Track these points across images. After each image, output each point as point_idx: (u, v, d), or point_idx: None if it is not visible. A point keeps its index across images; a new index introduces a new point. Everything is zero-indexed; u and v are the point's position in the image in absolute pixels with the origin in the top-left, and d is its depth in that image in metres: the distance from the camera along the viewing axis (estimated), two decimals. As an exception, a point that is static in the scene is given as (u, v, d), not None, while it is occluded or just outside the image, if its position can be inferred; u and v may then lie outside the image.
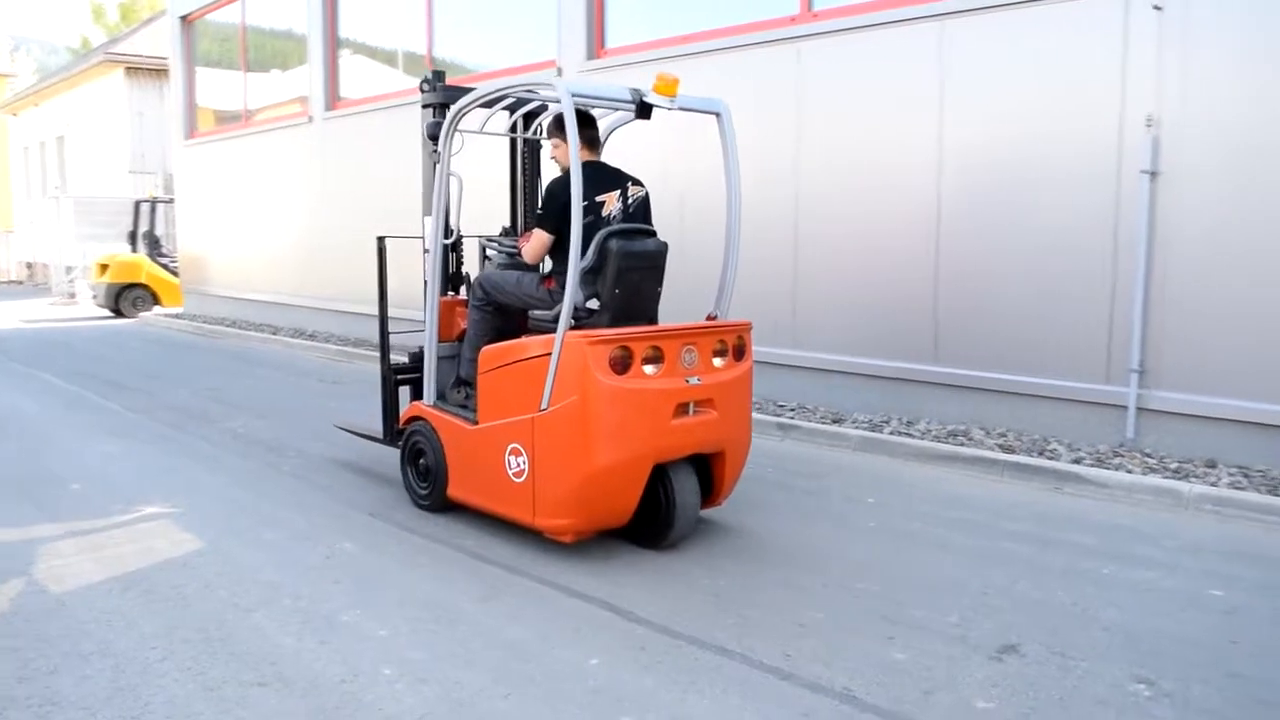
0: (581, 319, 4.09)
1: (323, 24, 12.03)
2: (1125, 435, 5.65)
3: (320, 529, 4.49)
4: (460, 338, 4.90)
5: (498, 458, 4.22)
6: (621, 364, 3.89)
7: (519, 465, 4.12)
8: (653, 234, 4.23)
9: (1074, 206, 5.74)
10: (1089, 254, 5.69)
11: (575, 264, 3.83)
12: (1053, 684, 3.00)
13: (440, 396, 4.74)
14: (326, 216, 11.94)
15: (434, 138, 4.52)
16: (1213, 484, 4.97)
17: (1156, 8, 5.34)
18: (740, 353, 4.35)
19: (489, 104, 4.64)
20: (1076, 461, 5.42)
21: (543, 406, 3.98)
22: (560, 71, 8.73)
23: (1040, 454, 5.61)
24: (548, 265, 4.54)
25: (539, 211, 4.22)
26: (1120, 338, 5.64)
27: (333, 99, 12.10)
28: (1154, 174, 5.44)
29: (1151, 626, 3.42)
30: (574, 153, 3.80)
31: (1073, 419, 5.87)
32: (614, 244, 4.01)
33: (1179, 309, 5.44)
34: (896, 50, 6.46)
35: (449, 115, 4.43)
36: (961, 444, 5.89)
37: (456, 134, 4.48)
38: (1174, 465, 5.31)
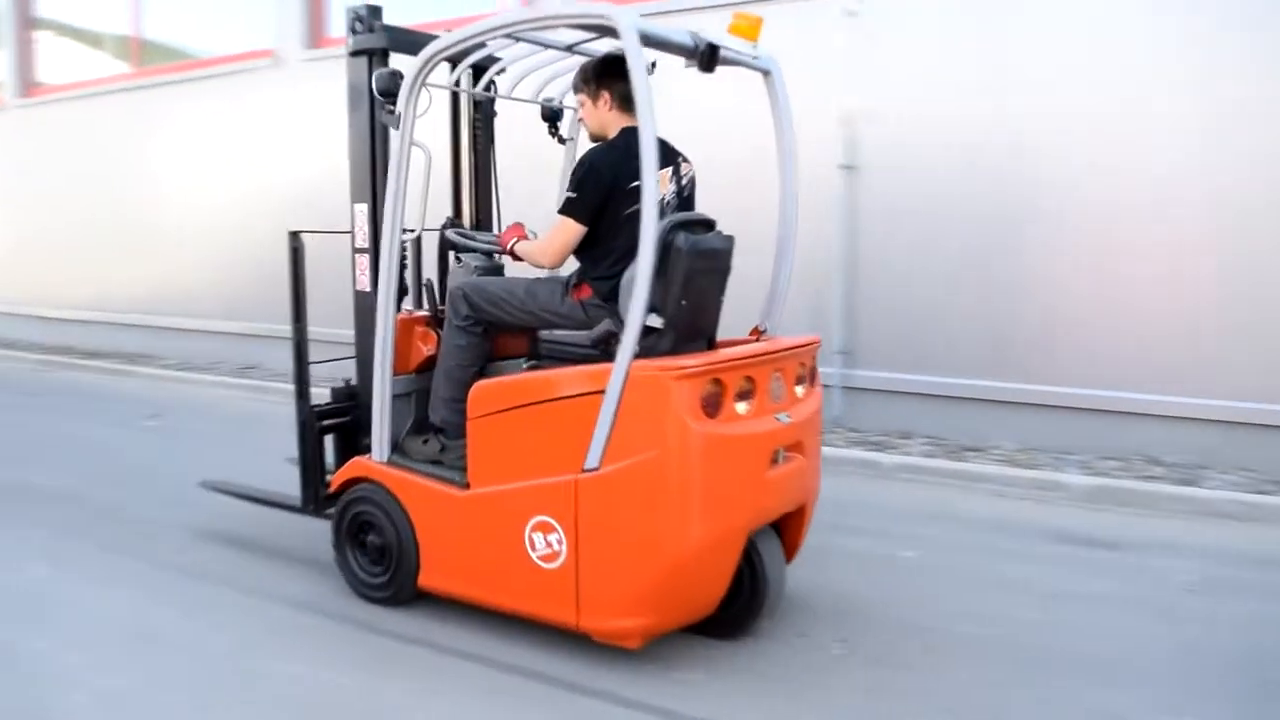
0: (612, 341, 3.00)
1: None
2: (833, 413, 6.05)
3: (260, 643, 3.15)
4: (421, 369, 3.65)
5: (510, 535, 3.06)
6: (714, 403, 2.86)
7: (550, 546, 2.98)
8: (712, 224, 3.21)
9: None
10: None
11: (648, 265, 2.75)
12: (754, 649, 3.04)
13: (394, 449, 3.47)
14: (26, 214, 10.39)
15: (388, 94, 3.25)
16: (907, 454, 5.49)
17: (850, 13, 5.91)
18: (813, 377, 3.43)
19: (458, 55, 3.38)
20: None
21: (591, 465, 2.87)
22: (278, 62, 8.62)
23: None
24: (536, 271, 3.41)
25: (569, 194, 3.07)
26: (829, 322, 6.06)
27: (28, 85, 10.73)
28: (850, 168, 5.99)
29: (850, 589, 3.61)
30: (646, 113, 2.71)
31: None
32: (680, 239, 2.96)
33: (874, 293, 6.05)
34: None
35: (419, 63, 3.17)
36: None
37: (424, 90, 3.24)
38: (875, 438, 5.85)
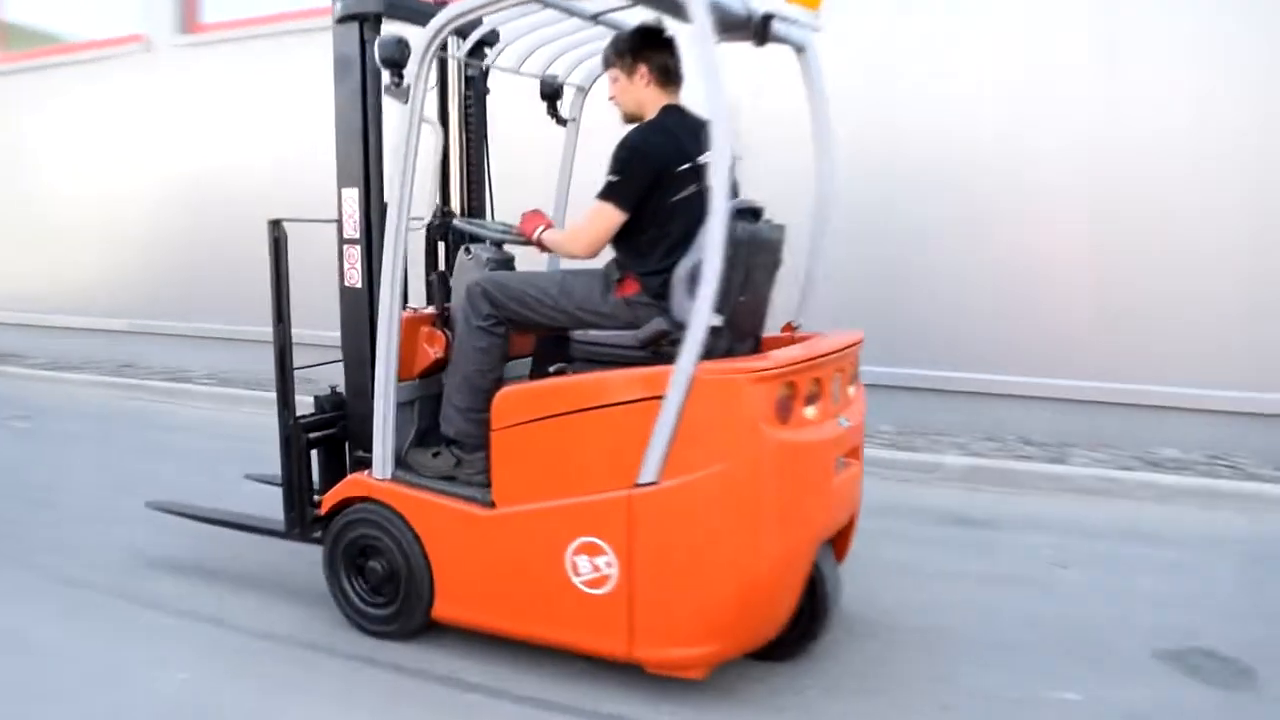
0: (676, 341, 2.72)
1: None
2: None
3: (256, 684, 2.74)
4: (426, 374, 3.26)
5: (548, 559, 2.74)
6: (786, 408, 2.61)
7: (598, 569, 2.67)
8: (760, 212, 2.95)
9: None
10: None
11: (718, 258, 2.47)
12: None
13: (398, 464, 3.09)
14: None
15: (393, 64, 2.86)
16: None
17: None
18: (857, 376, 3.21)
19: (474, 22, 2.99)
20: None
21: (647, 479, 2.58)
22: (149, 47, 8.30)
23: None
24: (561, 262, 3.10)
25: (612, 177, 2.75)
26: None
27: None
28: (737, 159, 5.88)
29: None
30: (715, 87, 2.42)
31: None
32: (740, 229, 2.69)
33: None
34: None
35: (436, 27, 2.79)
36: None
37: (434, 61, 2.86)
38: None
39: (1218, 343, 5.11)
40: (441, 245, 3.58)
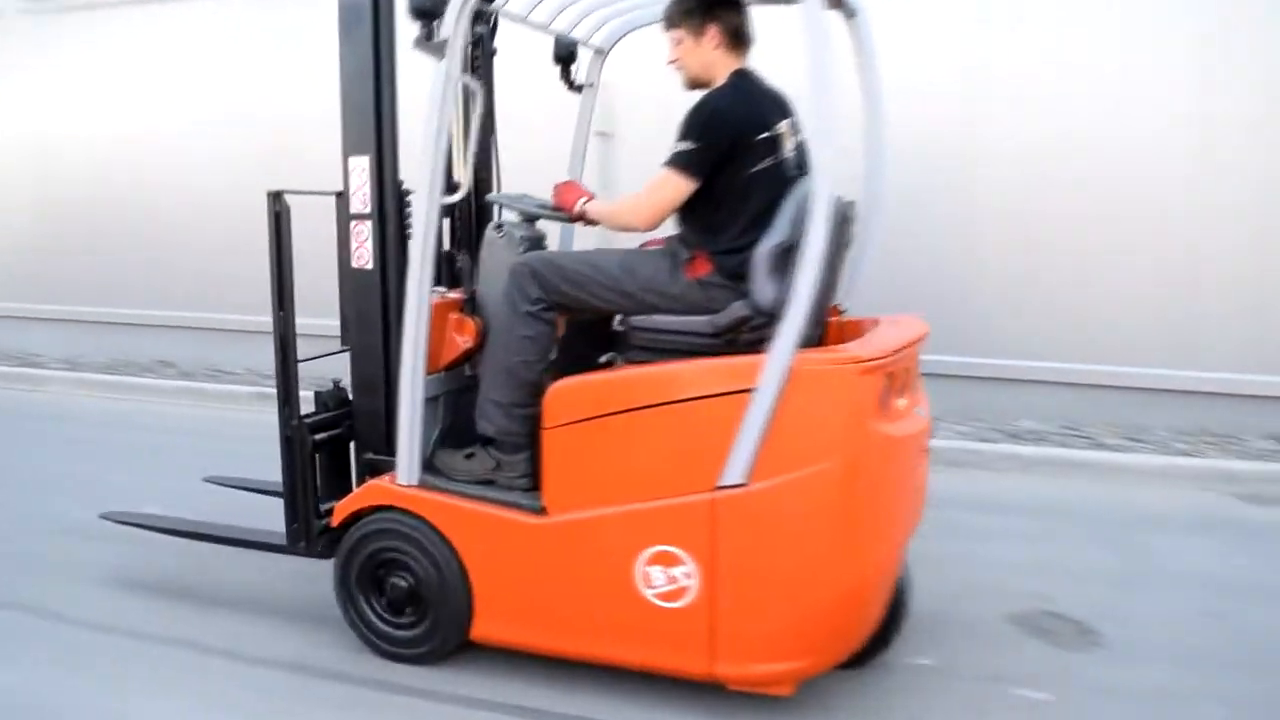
0: (757, 327, 2.48)
1: None
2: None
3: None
4: (454, 365, 2.91)
5: (614, 570, 2.47)
6: (885, 401, 2.40)
7: (674, 581, 2.42)
8: None
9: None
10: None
11: (821, 236, 2.23)
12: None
13: (425, 467, 2.75)
14: None
15: (427, 15, 2.50)
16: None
17: None
18: (914, 363, 3.04)
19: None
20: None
21: (732, 481, 2.34)
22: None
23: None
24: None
25: (687, 143, 2.44)
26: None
27: None
28: (605, 135, 5.58)
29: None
30: (819, 46, 2.18)
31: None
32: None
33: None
34: None
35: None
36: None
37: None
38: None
39: (1074, 318, 5.29)
40: (447, 221, 3.22)
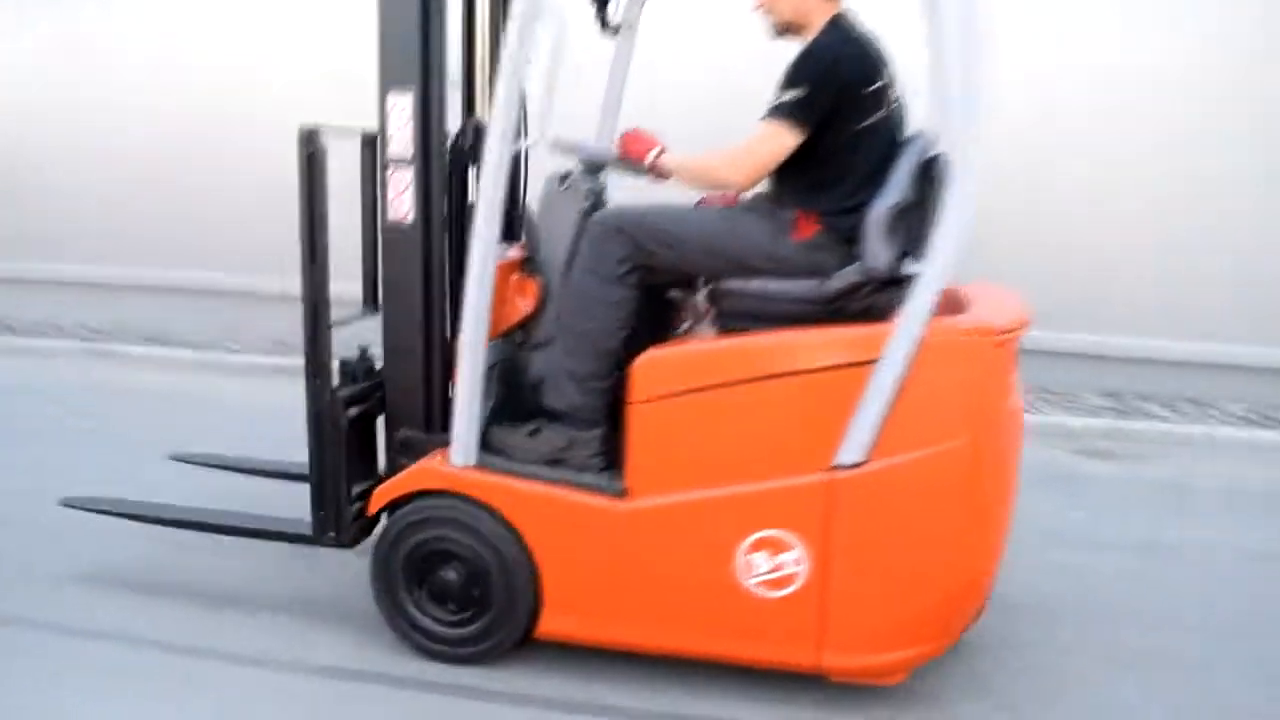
0: (869, 294, 2.30)
1: None
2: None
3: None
4: (512, 332, 2.60)
5: (712, 557, 2.27)
6: (1009, 373, 2.27)
7: (781, 568, 2.23)
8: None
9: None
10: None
11: (969, 197, 2.06)
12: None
13: (483, 445, 2.45)
14: None
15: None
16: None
17: None
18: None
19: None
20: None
21: (849, 460, 2.17)
22: None
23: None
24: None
25: (795, 92, 2.20)
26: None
27: None
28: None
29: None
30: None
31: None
32: (939, 166, 2.30)
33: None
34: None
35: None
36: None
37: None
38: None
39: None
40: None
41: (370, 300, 2.69)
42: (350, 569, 2.79)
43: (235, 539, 2.83)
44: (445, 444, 2.52)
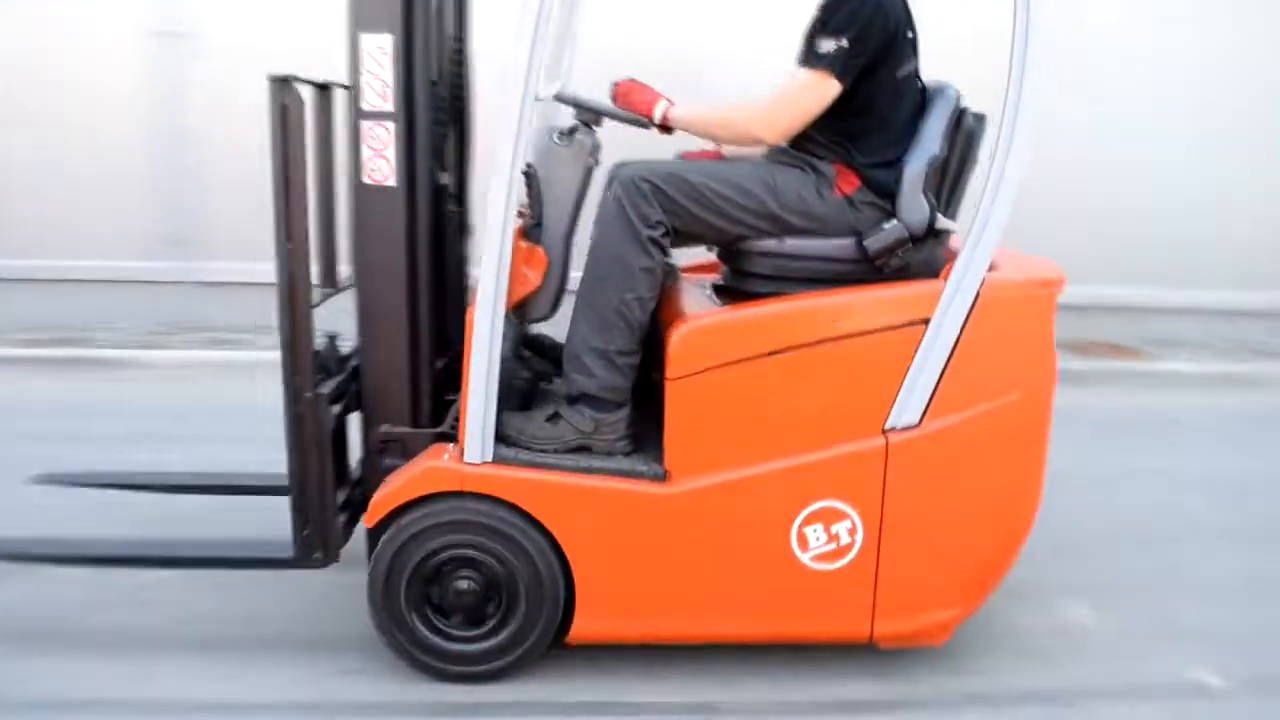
0: (907, 250, 2.22)
1: None
2: (177, 314, 5.31)
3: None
4: (523, 305, 2.28)
5: (766, 535, 2.15)
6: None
7: (836, 540, 2.15)
8: None
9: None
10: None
11: (1026, 144, 2.02)
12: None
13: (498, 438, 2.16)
14: None
15: None
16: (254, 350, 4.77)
17: None
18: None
19: None
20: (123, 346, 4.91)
21: (903, 422, 2.12)
22: None
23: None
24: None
25: (837, 41, 2.04)
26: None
27: None
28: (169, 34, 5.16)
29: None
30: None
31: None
32: (970, 117, 2.25)
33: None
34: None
35: None
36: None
37: None
38: (229, 336, 5.09)
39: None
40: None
41: (328, 279, 2.31)
42: (300, 584, 2.43)
43: (154, 570, 2.40)
44: (432, 440, 2.24)
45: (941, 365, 2.10)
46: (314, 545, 2.18)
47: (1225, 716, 2.24)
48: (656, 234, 2.14)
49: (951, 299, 2.08)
